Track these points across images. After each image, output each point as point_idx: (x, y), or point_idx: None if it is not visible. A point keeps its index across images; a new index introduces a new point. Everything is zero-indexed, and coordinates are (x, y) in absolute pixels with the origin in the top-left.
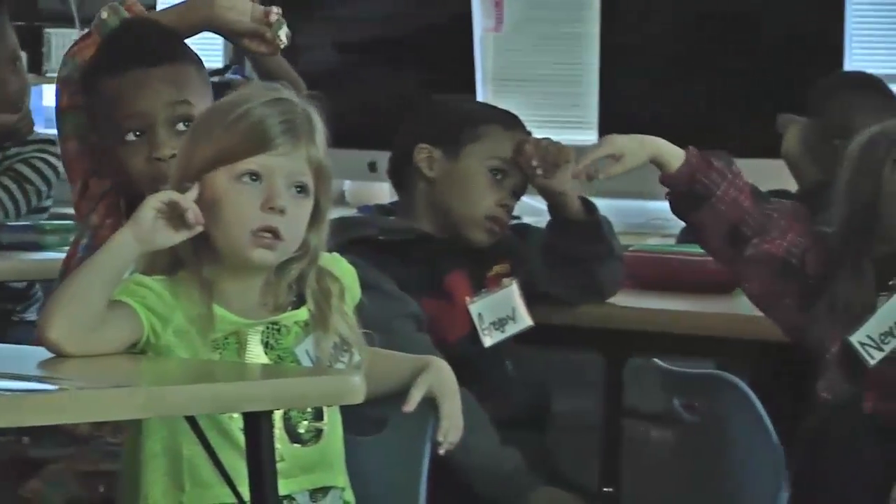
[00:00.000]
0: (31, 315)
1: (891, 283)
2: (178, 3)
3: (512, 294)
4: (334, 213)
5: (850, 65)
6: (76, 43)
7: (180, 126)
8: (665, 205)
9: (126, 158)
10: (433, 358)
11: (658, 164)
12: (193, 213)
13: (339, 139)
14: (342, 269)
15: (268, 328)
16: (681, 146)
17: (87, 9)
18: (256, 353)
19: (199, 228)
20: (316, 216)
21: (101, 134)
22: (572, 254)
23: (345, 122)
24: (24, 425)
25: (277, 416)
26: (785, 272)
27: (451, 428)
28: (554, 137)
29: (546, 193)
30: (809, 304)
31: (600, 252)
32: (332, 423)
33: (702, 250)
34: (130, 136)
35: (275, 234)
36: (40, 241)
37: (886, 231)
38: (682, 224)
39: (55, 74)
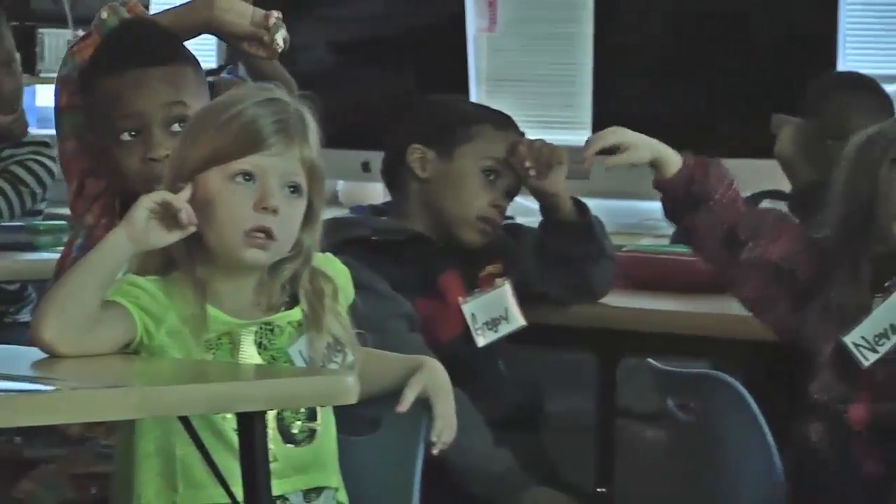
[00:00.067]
0: (24, 316)
1: (886, 284)
2: (178, 5)
3: (505, 294)
4: (327, 213)
5: (843, 65)
6: (76, 42)
7: (175, 127)
8: (658, 205)
9: (121, 158)
10: (426, 358)
11: (656, 167)
12: (186, 213)
13: (333, 139)
14: (335, 269)
15: (261, 328)
16: (676, 146)
17: (80, 9)
18: (250, 354)
19: (193, 229)
20: (309, 216)
21: (98, 133)
22: (564, 254)
23: (338, 122)
24: (17, 425)
25: (271, 416)
26: (778, 276)
27: (445, 428)
28: (547, 138)
29: (539, 195)
30: (802, 305)
31: (592, 253)
32: (326, 423)
33: None
34: (126, 136)
35: (268, 234)
36: (33, 242)
37: (882, 231)
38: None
39: (48, 74)
